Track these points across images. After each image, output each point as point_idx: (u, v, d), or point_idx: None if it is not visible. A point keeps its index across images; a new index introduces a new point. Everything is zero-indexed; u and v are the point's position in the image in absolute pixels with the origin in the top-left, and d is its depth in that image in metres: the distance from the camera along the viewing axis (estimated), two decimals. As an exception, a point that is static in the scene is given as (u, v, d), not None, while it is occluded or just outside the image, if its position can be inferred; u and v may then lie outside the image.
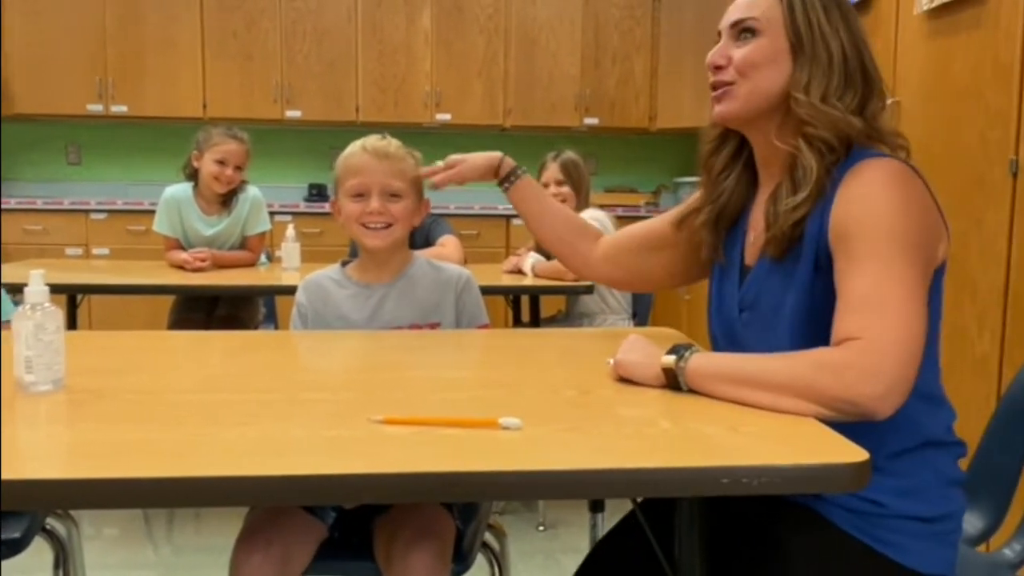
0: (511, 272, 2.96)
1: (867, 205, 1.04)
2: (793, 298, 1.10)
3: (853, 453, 0.85)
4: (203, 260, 2.89)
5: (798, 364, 1.00)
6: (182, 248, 2.98)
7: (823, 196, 1.09)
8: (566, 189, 2.98)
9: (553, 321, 3.25)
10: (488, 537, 1.49)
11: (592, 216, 2.90)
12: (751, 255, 1.22)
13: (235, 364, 1.37)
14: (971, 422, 1.49)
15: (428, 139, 5.36)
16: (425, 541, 1.25)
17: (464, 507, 1.43)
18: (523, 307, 3.29)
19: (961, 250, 2.15)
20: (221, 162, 2.95)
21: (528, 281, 2.83)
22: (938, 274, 1.09)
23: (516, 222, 4.89)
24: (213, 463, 0.84)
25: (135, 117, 4.88)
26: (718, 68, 1.17)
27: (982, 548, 1.36)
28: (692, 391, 1.06)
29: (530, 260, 2.88)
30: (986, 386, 2.04)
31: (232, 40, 4.88)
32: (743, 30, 1.15)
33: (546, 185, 3.02)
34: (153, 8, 4.81)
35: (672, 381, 1.08)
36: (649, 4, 5.19)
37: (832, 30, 1.12)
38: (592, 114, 5.19)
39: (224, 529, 1.44)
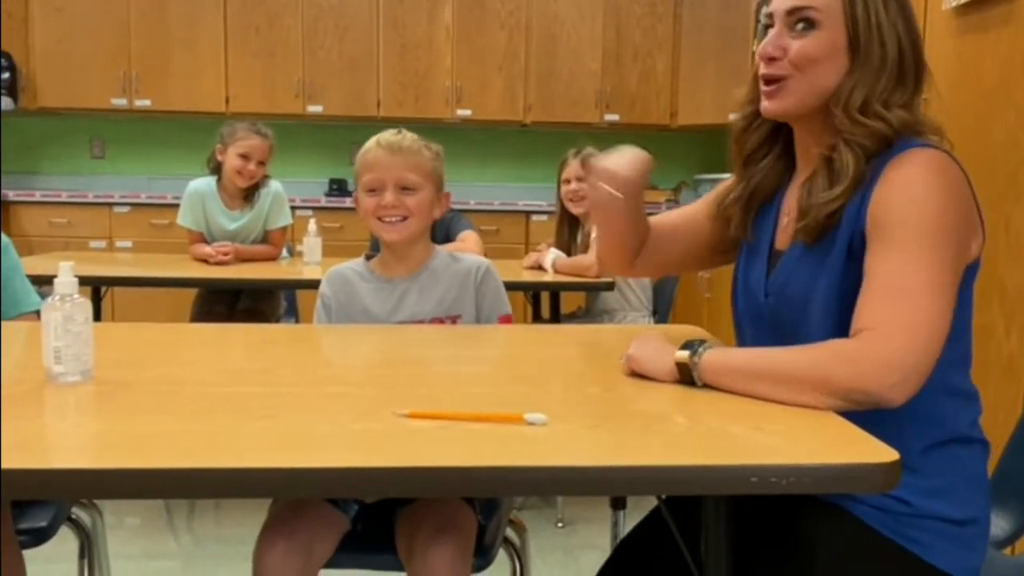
0: (531, 268, 2.95)
1: (906, 193, 1.03)
2: (825, 284, 1.09)
3: (883, 453, 0.84)
4: (226, 254, 2.91)
5: (814, 356, 1.00)
6: (205, 242, 3.01)
7: (861, 186, 1.07)
8: (587, 186, 2.96)
9: (573, 318, 3.24)
10: (509, 532, 1.49)
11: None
12: (782, 239, 1.20)
13: (259, 357, 1.38)
14: (998, 423, 1.47)
15: (448, 135, 5.37)
16: (447, 535, 1.26)
17: (485, 502, 1.43)
18: (543, 303, 3.29)
19: (990, 249, 2.11)
20: (244, 156, 2.96)
21: (548, 277, 2.82)
22: (971, 270, 1.08)
23: (536, 218, 4.89)
24: (239, 455, 0.84)
25: (158, 111, 4.92)
26: (772, 60, 1.11)
27: (1007, 551, 1.34)
28: (706, 386, 1.06)
29: (551, 256, 2.88)
30: (1013, 386, 2.02)
31: (255, 36, 4.90)
32: (801, 20, 1.10)
33: (567, 181, 3.01)
34: (177, 3, 4.84)
35: (686, 376, 1.07)
36: (671, 1, 5.16)
37: (890, 24, 1.08)
38: (613, 111, 5.17)
39: (245, 520, 1.45)
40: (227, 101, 4.89)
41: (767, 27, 1.14)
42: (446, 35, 5.04)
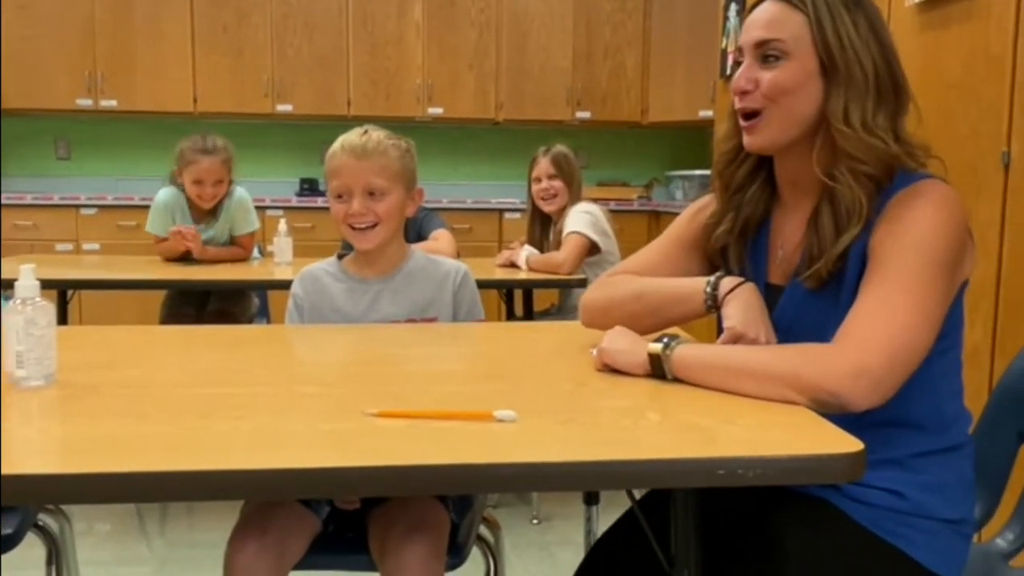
0: (504, 266, 2.95)
1: (907, 226, 1.03)
2: (838, 322, 1.06)
3: (848, 444, 0.85)
4: (192, 237, 2.87)
5: (787, 354, 1.02)
6: None
7: (868, 223, 1.07)
8: (558, 183, 2.98)
9: (547, 315, 3.25)
10: (483, 530, 1.49)
11: (584, 210, 2.90)
12: (777, 274, 1.20)
13: (228, 358, 1.36)
14: (964, 413, 1.49)
15: (420, 133, 5.33)
16: (419, 534, 1.25)
17: (458, 500, 1.43)
18: (517, 301, 3.29)
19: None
20: (198, 182, 2.89)
21: (522, 275, 2.83)
22: (962, 287, 1.10)
23: (509, 216, 4.89)
24: (207, 457, 0.84)
25: (125, 111, 4.85)
26: (745, 93, 1.11)
27: (976, 538, 1.36)
28: (677, 379, 1.07)
29: (524, 253, 2.88)
30: (979, 377, 2.05)
31: (222, 34, 4.85)
32: (769, 52, 1.10)
33: (538, 179, 3.02)
34: (143, 2, 4.78)
35: (657, 369, 1.08)
36: (641, -2, 5.18)
37: (863, 44, 1.08)
38: (584, 108, 5.19)
39: (217, 524, 1.44)
40: (195, 101, 4.84)
41: (738, 63, 1.14)
42: (416, 33, 5.02)
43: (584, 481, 0.91)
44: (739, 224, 1.22)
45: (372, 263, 1.63)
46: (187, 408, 1.01)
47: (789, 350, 1.03)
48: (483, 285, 2.90)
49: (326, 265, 1.67)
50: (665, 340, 1.09)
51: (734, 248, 1.23)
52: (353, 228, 1.57)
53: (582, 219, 2.85)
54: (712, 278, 1.15)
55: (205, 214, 3.00)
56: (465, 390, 1.13)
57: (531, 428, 0.92)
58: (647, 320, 1.21)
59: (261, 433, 0.91)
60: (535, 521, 2.73)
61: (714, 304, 1.13)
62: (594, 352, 1.17)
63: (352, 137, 1.57)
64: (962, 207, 1.06)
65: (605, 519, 1.33)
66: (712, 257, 1.27)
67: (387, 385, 1.15)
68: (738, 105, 1.13)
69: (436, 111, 5.07)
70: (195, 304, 3.13)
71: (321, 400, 1.06)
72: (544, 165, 2.99)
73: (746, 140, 1.14)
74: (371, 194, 1.56)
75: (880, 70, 1.08)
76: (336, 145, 1.58)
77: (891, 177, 1.08)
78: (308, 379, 1.21)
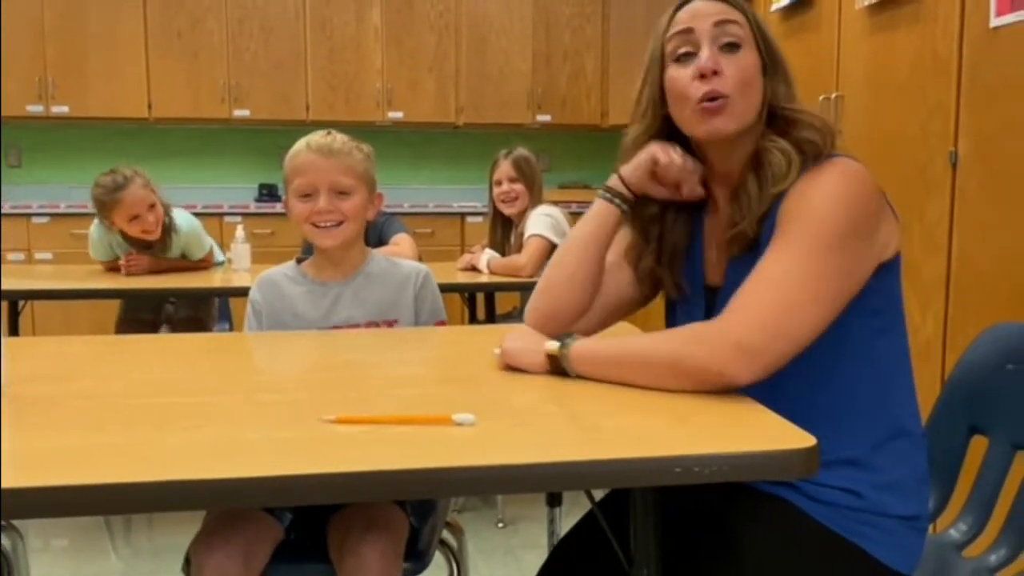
0: (465, 269, 2.95)
1: (808, 199, 1.05)
2: None
3: (801, 439, 0.86)
4: (136, 263, 2.77)
5: (672, 341, 1.04)
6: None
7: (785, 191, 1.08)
8: (519, 186, 2.98)
9: (509, 318, 3.25)
10: (446, 535, 1.49)
11: (545, 212, 2.91)
12: (714, 275, 1.21)
13: (185, 367, 1.34)
14: (918, 407, 1.53)
15: (380, 137, 5.33)
16: (375, 534, 1.25)
17: (418, 505, 1.43)
18: (479, 304, 3.29)
19: (904, 239, 2.21)
20: (135, 217, 2.71)
21: (483, 278, 2.83)
22: (889, 268, 1.10)
23: (471, 219, 4.89)
24: (161, 467, 0.82)
25: (77, 118, 4.76)
26: (715, 74, 1.09)
27: (930, 530, 1.39)
28: (580, 376, 1.10)
29: (485, 257, 2.88)
30: (931, 371, 2.10)
31: (176, 39, 4.79)
32: (728, 38, 1.11)
33: (499, 182, 3.02)
34: (94, 5, 4.69)
35: (556, 367, 1.12)
36: (599, 2, 5.22)
37: (777, 43, 1.14)
38: (544, 111, 5.21)
39: (178, 531, 1.42)
40: (149, 107, 4.76)
41: (686, 54, 1.12)
42: (375, 36, 5.00)
43: (543, 483, 0.92)
44: (666, 255, 1.23)
45: (333, 265, 1.62)
46: (142, 419, 0.99)
47: (674, 336, 1.05)
48: (445, 289, 2.88)
49: (285, 269, 1.65)
50: (562, 339, 1.13)
51: (668, 279, 1.24)
52: (317, 226, 1.56)
53: (543, 222, 2.86)
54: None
55: (147, 242, 2.84)
56: (424, 394, 1.13)
57: (490, 431, 0.92)
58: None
59: (217, 442, 0.90)
60: (500, 525, 2.73)
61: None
62: (497, 352, 1.20)
63: (317, 137, 1.57)
64: (870, 182, 1.07)
65: (569, 520, 1.33)
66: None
67: (345, 391, 1.14)
68: (705, 88, 1.09)
69: (396, 115, 5.05)
70: (151, 310, 3.08)
71: (278, 408, 1.05)
72: (505, 168, 2.99)
73: (714, 123, 1.10)
74: (337, 193, 1.55)
75: (789, 68, 1.14)
76: (300, 144, 1.57)
77: (820, 155, 1.09)
78: (265, 387, 1.20)
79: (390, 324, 1.61)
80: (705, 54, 1.10)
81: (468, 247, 3.83)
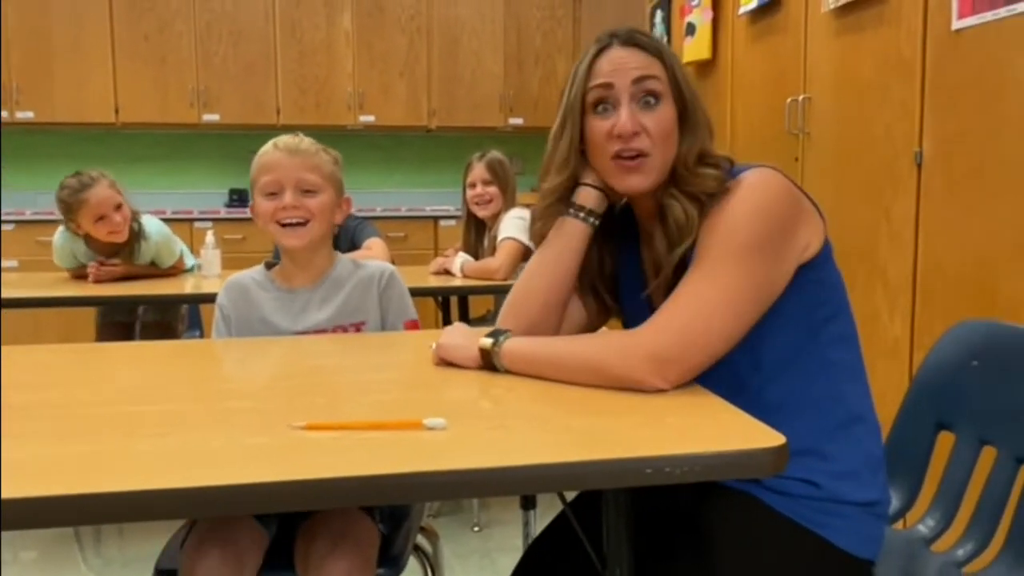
0: (438, 273, 2.95)
1: (717, 220, 1.08)
2: None
3: (771, 438, 0.87)
4: (102, 270, 2.72)
5: (592, 347, 1.09)
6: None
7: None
8: (493, 189, 2.98)
9: (483, 321, 3.25)
10: (421, 540, 1.48)
11: (519, 215, 2.91)
12: (659, 298, 1.21)
13: (152, 375, 1.33)
14: (887, 403, 1.54)
15: (352, 141, 5.31)
16: (343, 548, 1.23)
17: (390, 512, 1.42)
18: (453, 308, 3.29)
19: (871, 238, 2.24)
20: (101, 218, 2.65)
21: (457, 282, 2.82)
22: (822, 260, 1.12)
23: (444, 223, 4.88)
24: (128, 477, 0.81)
25: (43, 124, 4.69)
26: (635, 135, 1.12)
27: (899, 525, 1.41)
28: (509, 372, 1.14)
29: (459, 260, 2.88)
30: (899, 368, 2.13)
31: (144, 43, 4.74)
32: (648, 92, 1.12)
33: (472, 185, 3.02)
34: (59, 9, 4.63)
35: (488, 362, 1.15)
36: (570, 5, 5.25)
37: (694, 87, 1.16)
38: (517, 114, 5.22)
39: (148, 540, 1.40)
40: (117, 112, 4.71)
41: (600, 101, 1.14)
42: (346, 40, 4.98)
43: (515, 486, 0.92)
44: (589, 282, 1.27)
45: (301, 270, 1.60)
46: (108, 427, 0.97)
47: (598, 341, 1.12)
48: (418, 293, 2.88)
49: (253, 274, 1.64)
50: (496, 335, 1.16)
51: (593, 303, 1.29)
52: (282, 225, 1.54)
53: (516, 224, 2.86)
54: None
55: (114, 249, 2.79)
56: (395, 399, 1.12)
57: (461, 435, 0.92)
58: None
59: (185, 451, 0.89)
60: (476, 529, 2.72)
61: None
62: (433, 347, 1.23)
63: (284, 138, 1.57)
64: (782, 191, 1.09)
65: (543, 523, 1.33)
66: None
67: (315, 397, 1.13)
68: (627, 145, 1.12)
69: (368, 119, 5.04)
70: (126, 313, 3.04)
71: (247, 415, 1.04)
72: (479, 171, 2.99)
73: (631, 181, 1.14)
74: (303, 191, 1.54)
75: (707, 115, 1.16)
76: (268, 145, 1.57)
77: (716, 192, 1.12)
78: (234, 394, 1.18)
79: (358, 327, 1.60)
80: (624, 114, 1.12)
81: (441, 251, 3.83)
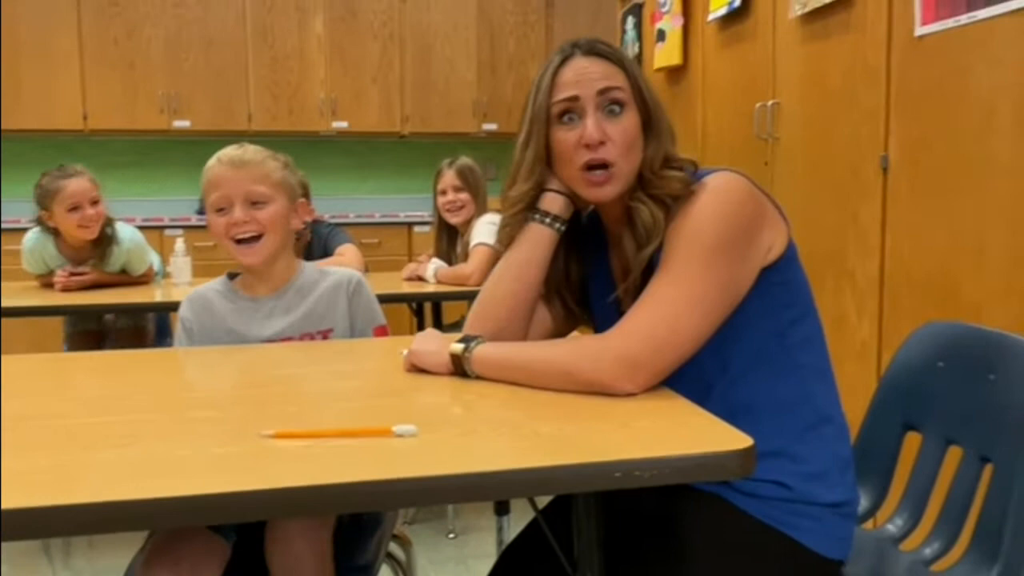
0: (410, 279, 2.94)
1: (681, 224, 1.10)
2: None
3: (738, 440, 0.88)
4: (71, 280, 2.68)
5: (562, 352, 1.10)
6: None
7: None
8: (464, 195, 2.98)
9: (456, 327, 3.24)
10: (394, 547, 1.48)
11: (490, 220, 2.91)
12: (628, 302, 1.22)
13: (115, 385, 1.31)
14: (856, 404, 1.56)
15: (325, 147, 5.29)
16: (305, 537, 1.23)
17: (367, 519, 1.41)
18: (427, 314, 3.28)
19: (839, 241, 2.27)
20: (75, 208, 2.62)
21: (430, 288, 2.82)
22: (786, 262, 1.14)
23: (418, 229, 4.87)
24: (91, 489, 0.80)
25: (9, 130, 4.61)
26: (600, 144, 1.12)
27: (868, 525, 1.42)
28: (479, 378, 1.14)
29: (432, 267, 2.87)
30: (867, 370, 2.15)
31: (113, 47, 4.68)
32: (612, 101, 1.13)
33: (443, 192, 3.01)
34: (26, 14, 4.56)
35: (459, 368, 1.16)
36: (542, 10, 5.26)
37: (656, 94, 1.17)
38: (490, 119, 5.22)
39: (118, 552, 1.38)
40: (85, 118, 4.65)
41: (565, 112, 1.15)
42: (318, 46, 4.96)
43: (485, 492, 0.91)
44: (553, 288, 1.27)
45: (262, 281, 1.59)
46: (70, 439, 0.96)
47: (566, 346, 1.14)
48: (392, 299, 2.89)
49: (216, 285, 1.62)
50: (467, 341, 1.16)
51: (560, 310, 1.29)
52: (237, 242, 1.52)
53: (489, 230, 2.86)
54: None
55: (86, 251, 2.75)
56: (364, 406, 1.12)
57: (431, 441, 0.92)
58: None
59: (149, 461, 0.87)
60: (451, 536, 2.72)
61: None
62: (404, 353, 1.23)
63: (228, 150, 1.54)
64: (744, 194, 1.10)
65: (517, 529, 1.33)
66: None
67: (284, 405, 1.12)
68: (593, 156, 1.13)
69: (341, 125, 5.02)
70: (95, 320, 2.99)
71: (214, 424, 1.03)
72: (449, 177, 2.99)
73: (599, 192, 1.15)
74: (253, 203, 1.52)
75: (669, 121, 1.17)
76: (212, 160, 1.54)
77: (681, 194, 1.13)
78: (201, 403, 1.17)
79: (325, 334, 1.59)
80: (590, 124, 1.12)
81: (415, 256, 3.82)
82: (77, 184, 2.63)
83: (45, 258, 2.79)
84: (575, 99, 1.14)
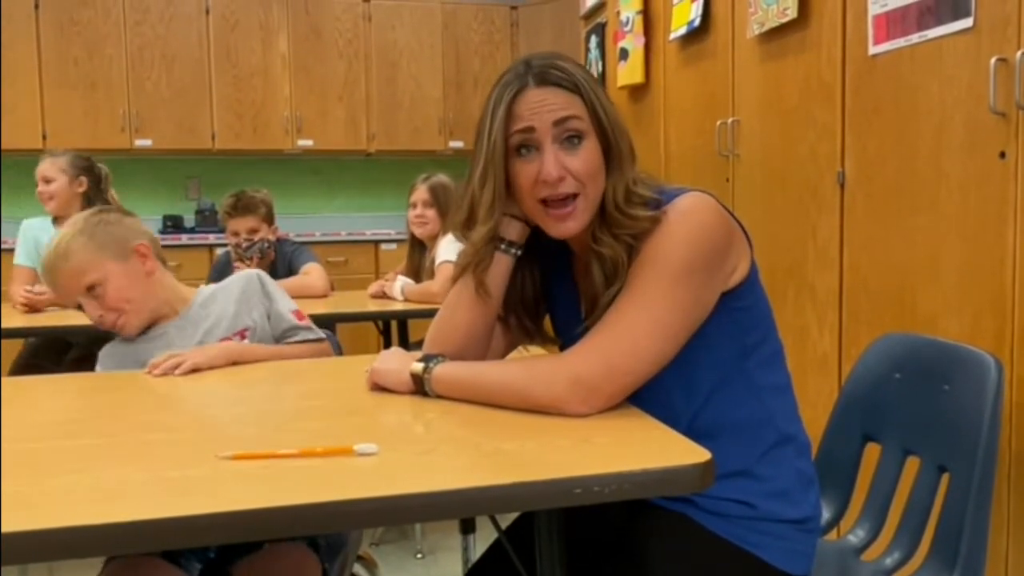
0: (376, 296, 2.93)
1: (646, 253, 1.08)
2: None
3: (697, 455, 0.89)
4: (34, 298, 2.67)
5: (518, 372, 1.10)
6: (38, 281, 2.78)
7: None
8: (431, 212, 2.99)
9: (423, 345, 3.23)
10: (359, 569, 1.46)
11: (456, 238, 2.91)
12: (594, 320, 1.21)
13: (71, 408, 1.29)
14: (817, 416, 1.58)
15: (290, 165, 5.26)
16: None
17: (330, 541, 1.39)
18: (393, 331, 3.26)
19: (800, 256, 2.30)
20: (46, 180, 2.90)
21: (397, 305, 2.81)
22: (747, 287, 1.13)
23: (385, 247, 4.85)
24: (41, 515, 0.78)
25: (-35, 150, 4.54)
26: (560, 179, 1.08)
27: (831, 535, 1.44)
28: (439, 397, 1.15)
29: (399, 284, 2.87)
30: (828, 383, 2.18)
31: (73, 67, 4.63)
32: (570, 132, 1.08)
33: (414, 205, 3.02)
34: (-18, 33, 4.50)
35: (419, 387, 1.16)
36: (507, 30, 5.30)
37: (617, 118, 1.12)
38: (456, 137, 5.24)
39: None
40: (44, 137, 4.58)
41: (522, 145, 1.10)
42: (283, 64, 4.95)
43: (446, 510, 0.91)
44: (533, 307, 1.27)
45: (153, 323, 1.61)
46: (19, 464, 0.94)
47: (524, 366, 1.12)
48: (359, 318, 2.87)
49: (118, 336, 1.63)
50: (427, 360, 1.16)
51: (516, 323, 1.28)
52: (108, 326, 1.54)
53: (454, 248, 2.86)
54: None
55: None
56: (325, 426, 1.11)
57: (392, 460, 0.91)
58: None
59: (103, 486, 0.86)
60: (419, 556, 2.69)
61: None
62: (367, 371, 1.23)
63: (50, 254, 1.51)
64: (711, 217, 1.08)
65: (484, 547, 1.33)
66: None
67: (242, 427, 1.11)
68: (553, 192, 1.09)
69: (306, 143, 5.00)
70: (54, 351, 2.93)
71: (173, 447, 1.01)
72: (421, 192, 3.01)
73: (563, 227, 1.11)
74: (91, 296, 1.51)
75: (630, 140, 1.14)
76: (42, 259, 1.55)
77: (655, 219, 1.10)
78: (157, 426, 1.15)
79: (242, 334, 1.59)
80: (549, 160, 1.08)
81: (382, 274, 3.80)
82: (44, 165, 2.90)
83: (38, 241, 2.82)
84: (531, 130, 1.09)
